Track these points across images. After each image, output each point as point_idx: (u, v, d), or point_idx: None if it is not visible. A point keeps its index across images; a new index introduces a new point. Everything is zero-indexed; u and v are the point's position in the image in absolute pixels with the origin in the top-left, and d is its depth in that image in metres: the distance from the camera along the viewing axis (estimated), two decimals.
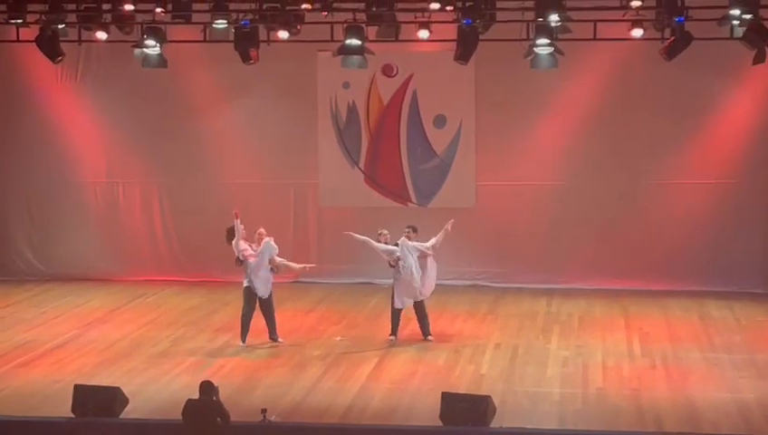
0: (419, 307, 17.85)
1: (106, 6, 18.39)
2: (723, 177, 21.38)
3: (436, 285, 21.66)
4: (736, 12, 17.05)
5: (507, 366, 16.29)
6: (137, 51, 18.75)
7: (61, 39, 18.82)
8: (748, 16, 17.03)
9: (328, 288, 21.88)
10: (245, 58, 18.63)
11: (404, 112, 22.20)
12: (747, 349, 17.20)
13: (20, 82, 22.77)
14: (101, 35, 18.89)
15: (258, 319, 17.63)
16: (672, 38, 17.61)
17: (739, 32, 17.49)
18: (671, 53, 17.64)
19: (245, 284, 17.53)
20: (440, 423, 13.23)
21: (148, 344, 17.62)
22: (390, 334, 17.79)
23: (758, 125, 21.16)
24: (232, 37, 18.47)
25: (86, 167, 23.06)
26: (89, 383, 14.31)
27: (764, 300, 20.49)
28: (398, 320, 17.86)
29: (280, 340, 17.61)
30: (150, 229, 23.08)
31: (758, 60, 17.65)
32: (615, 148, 21.51)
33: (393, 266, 17.79)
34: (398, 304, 17.81)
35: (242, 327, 17.47)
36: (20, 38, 19.48)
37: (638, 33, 18.04)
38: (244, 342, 17.43)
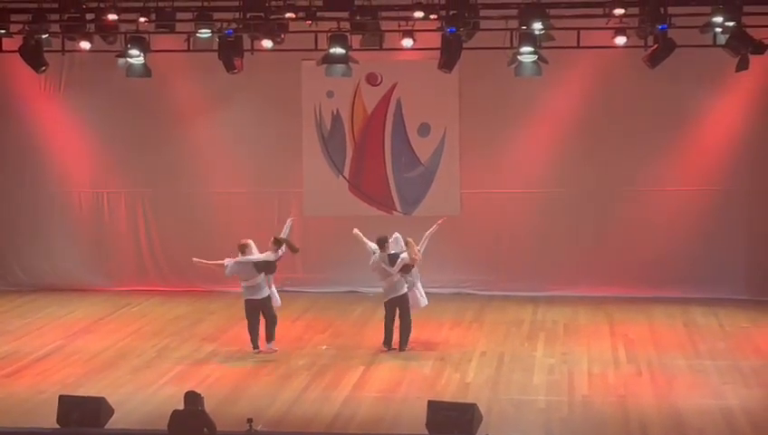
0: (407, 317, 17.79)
1: (89, 16, 18.38)
2: (706, 184, 21.45)
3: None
4: (719, 19, 17.13)
5: (493, 374, 16.29)
6: (120, 60, 18.73)
7: (44, 49, 18.78)
8: (731, 24, 17.11)
9: (313, 297, 21.87)
10: (229, 67, 18.62)
11: (388, 121, 22.22)
12: (732, 355, 17.23)
13: (3, 92, 22.73)
14: (85, 45, 18.84)
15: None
16: (655, 45, 17.67)
17: (722, 39, 17.57)
18: (654, 60, 17.69)
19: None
20: (426, 432, 13.22)
21: (133, 354, 17.57)
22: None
23: (741, 132, 21.23)
24: (216, 46, 18.45)
25: (70, 177, 23.00)
26: (74, 394, 14.26)
27: (748, 306, 20.54)
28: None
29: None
30: (135, 239, 23.03)
31: (741, 67, 17.72)
32: (599, 155, 21.56)
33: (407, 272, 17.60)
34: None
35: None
36: (3, 48, 19.43)
37: (621, 40, 18.10)
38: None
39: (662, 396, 15.11)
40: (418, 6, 17.93)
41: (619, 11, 17.51)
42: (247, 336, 17.52)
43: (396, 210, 22.36)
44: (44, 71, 19.28)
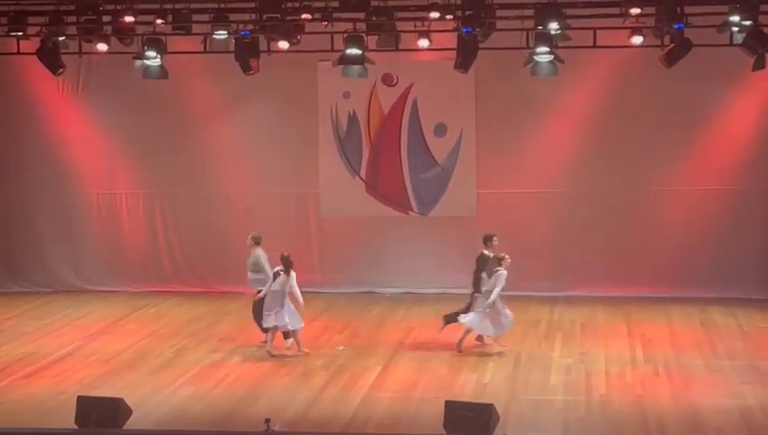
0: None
1: (106, 18, 18.40)
2: (724, 183, 21.39)
3: (438, 293, 21.82)
4: (736, 18, 17.07)
5: (510, 374, 16.29)
6: (137, 62, 18.76)
7: (61, 51, 18.82)
8: (747, 23, 17.05)
9: (330, 298, 21.88)
10: (246, 69, 18.64)
11: (404, 121, 22.22)
12: (749, 355, 17.20)
13: (21, 94, 22.81)
14: (102, 47, 18.89)
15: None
16: (672, 45, 17.61)
17: (739, 38, 17.51)
18: (671, 59, 17.65)
19: None
20: (444, 432, 13.22)
21: (151, 355, 17.62)
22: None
23: (759, 131, 21.19)
24: (232, 48, 18.48)
25: (88, 178, 23.07)
26: (92, 395, 14.29)
27: (766, 306, 20.48)
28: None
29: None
30: (152, 240, 23.09)
31: (758, 66, 17.67)
32: (616, 155, 21.53)
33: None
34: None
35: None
36: (20, 51, 19.47)
37: (637, 40, 18.05)
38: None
39: (680, 396, 15.09)
40: (434, 7, 17.92)
41: (635, 10, 17.46)
42: (264, 335, 17.69)
43: (412, 211, 22.36)
44: (62, 73, 19.33)
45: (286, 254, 17.47)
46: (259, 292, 17.74)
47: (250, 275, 18.35)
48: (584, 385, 15.68)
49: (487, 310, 17.34)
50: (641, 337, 18.39)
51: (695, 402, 14.72)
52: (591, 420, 14.17)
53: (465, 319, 17.57)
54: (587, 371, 16.41)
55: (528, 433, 13.66)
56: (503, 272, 17.47)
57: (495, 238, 18.04)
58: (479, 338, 17.85)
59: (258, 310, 17.81)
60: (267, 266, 17.97)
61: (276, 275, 17.40)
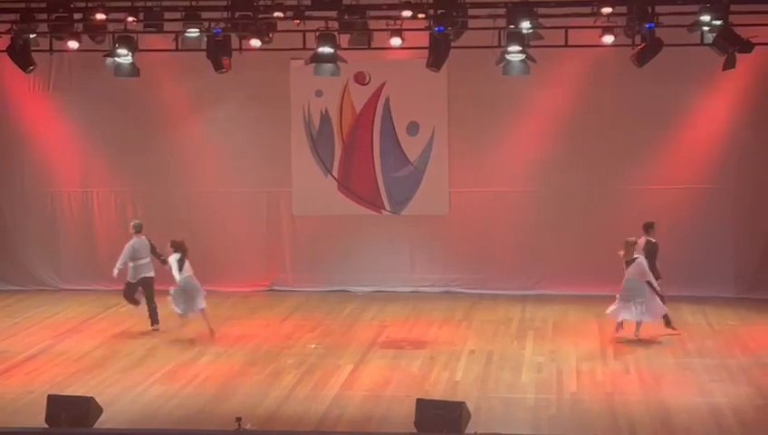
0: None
1: (77, 16, 18.35)
2: (694, 182, 21.49)
3: (411, 291, 21.85)
4: (706, 18, 17.18)
5: (482, 372, 16.32)
6: (108, 60, 18.70)
7: (32, 49, 18.76)
8: (718, 22, 17.15)
9: (302, 296, 21.88)
10: (218, 67, 18.62)
11: (377, 120, 22.23)
12: (719, 353, 17.29)
13: None
14: (73, 45, 18.80)
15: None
16: (643, 44, 17.70)
17: (709, 38, 17.61)
18: (642, 59, 17.72)
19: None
20: (415, 430, 13.23)
21: (122, 354, 17.57)
22: None
23: (729, 130, 21.29)
24: (204, 46, 18.45)
25: (60, 176, 22.98)
26: (62, 394, 14.24)
27: (736, 304, 20.60)
28: None
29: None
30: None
31: (728, 66, 17.79)
32: (587, 154, 21.59)
33: None
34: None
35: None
36: None
37: (609, 39, 18.10)
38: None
39: (650, 394, 15.16)
40: (407, 5, 17.93)
41: (606, 10, 17.52)
42: (236, 334, 17.63)
43: (385, 209, 22.37)
44: (32, 70, 19.26)
45: (179, 239, 18.45)
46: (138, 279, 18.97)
47: (131, 263, 19.16)
48: (555, 383, 15.72)
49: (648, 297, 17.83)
50: (612, 335, 18.44)
51: (665, 400, 14.78)
52: (562, 417, 14.21)
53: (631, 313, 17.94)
54: (558, 369, 16.46)
55: (499, 431, 13.67)
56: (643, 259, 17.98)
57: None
58: (621, 325, 18.10)
59: (129, 292, 19.15)
60: (126, 253, 19.18)
61: (182, 261, 18.29)
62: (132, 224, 19.70)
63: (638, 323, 17.99)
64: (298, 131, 22.39)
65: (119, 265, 19.19)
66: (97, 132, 22.66)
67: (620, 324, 18.08)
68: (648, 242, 18.45)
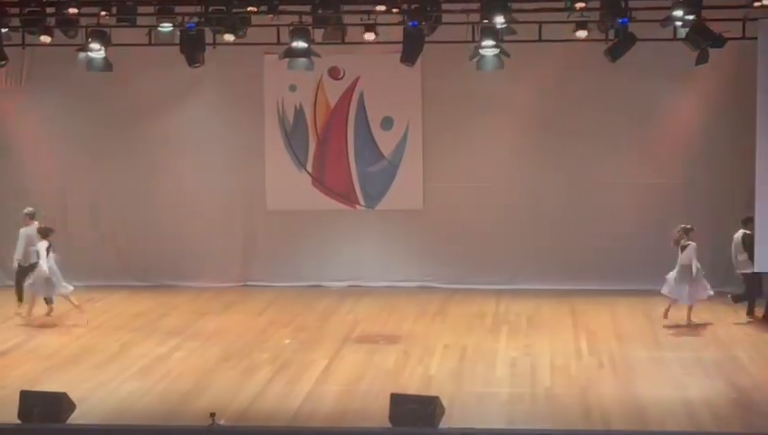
0: None
1: (50, 10, 18.26)
2: (669, 177, 21.55)
3: (385, 286, 21.87)
4: (679, 13, 17.23)
5: (456, 367, 16.32)
6: (81, 54, 18.62)
7: (4, 43, 18.66)
8: (691, 17, 17.21)
9: (276, 291, 21.85)
10: (191, 61, 18.58)
11: (351, 115, 22.21)
12: (693, 347, 17.36)
13: None
14: (46, 39, 18.69)
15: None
16: (616, 39, 17.75)
17: (682, 33, 17.68)
18: (615, 53, 17.77)
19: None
20: (389, 425, 13.24)
21: (96, 350, 17.50)
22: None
23: (702, 126, 21.37)
24: (177, 40, 18.39)
25: (32, 171, 22.84)
26: (35, 389, 14.19)
27: (710, 299, 20.63)
28: None
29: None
30: (97, 234, 22.91)
31: (701, 61, 17.85)
32: (562, 148, 21.63)
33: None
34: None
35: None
36: None
37: (582, 34, 18.16)
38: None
39: (624, 387, 15.19)
40: (380, 0, 17.92)
41: (580, 4, 17.57)
42: (211, 329, 17.65)
43: (359, 204, 22.36)
44: (5, 65, 19.17)
45: (47, 226, 19.24)
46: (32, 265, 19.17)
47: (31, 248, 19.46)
48: (529, 378, 15.74)
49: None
50: (586, 330, 18.51)
51: (638, 394, 14.82)
52: (536, 412, 14.23)
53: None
54: (532, 363, 16.48)
55: (473, 425, 13.68)
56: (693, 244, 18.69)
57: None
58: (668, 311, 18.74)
59: (21, 278, 19.51)
60: (23, 240, 19.65)
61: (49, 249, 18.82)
62: (26, 211, 20.03)
63: (690, 307, 18.73)
64: (272, 126, 22.35)
65: (18, 254, 19.73)
66: (69, 127, 22.51)
67: (668, 310, 18.69)
68: (744, 235, 19.15)
